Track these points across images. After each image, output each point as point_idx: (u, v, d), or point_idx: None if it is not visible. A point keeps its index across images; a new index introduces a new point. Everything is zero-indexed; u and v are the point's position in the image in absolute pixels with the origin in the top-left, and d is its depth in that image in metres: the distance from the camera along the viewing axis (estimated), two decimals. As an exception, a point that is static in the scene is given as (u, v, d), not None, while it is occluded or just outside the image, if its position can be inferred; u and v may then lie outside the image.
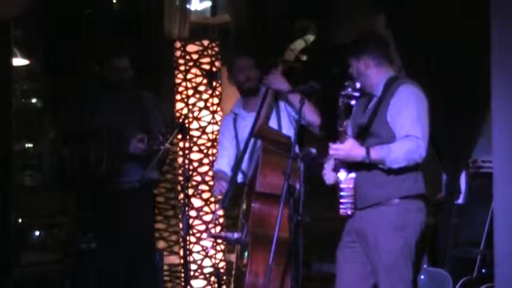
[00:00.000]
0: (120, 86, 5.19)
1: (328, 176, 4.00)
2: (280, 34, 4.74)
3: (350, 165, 3.90)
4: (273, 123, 4.58)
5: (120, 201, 5.09)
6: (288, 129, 4.58)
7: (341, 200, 3.95)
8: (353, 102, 3.76)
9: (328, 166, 4.01)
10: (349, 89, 3.74)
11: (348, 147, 3.79)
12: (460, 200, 5.57)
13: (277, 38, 4.70)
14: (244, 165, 4.59)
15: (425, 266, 5.23)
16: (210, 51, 6.55)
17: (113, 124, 5.05)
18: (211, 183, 6.15)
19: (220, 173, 4.72)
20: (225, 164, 4.75)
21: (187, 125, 6.30)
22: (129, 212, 5.09)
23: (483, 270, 5.18)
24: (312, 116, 4.47)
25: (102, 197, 5.16)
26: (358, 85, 3.75)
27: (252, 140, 4.52)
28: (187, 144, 6.30)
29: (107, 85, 5.24)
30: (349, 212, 3.95)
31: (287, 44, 4.55)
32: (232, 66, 4.77)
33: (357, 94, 3.74)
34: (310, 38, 4.53)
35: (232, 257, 4.66)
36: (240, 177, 4.61)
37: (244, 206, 4.43)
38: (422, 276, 5.22)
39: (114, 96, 5.20)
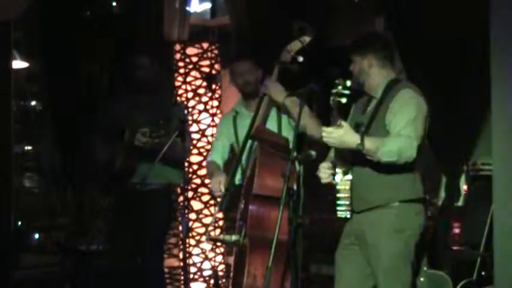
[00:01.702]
0: (139, 85, 5.19)
1: (323, 175, 3.99)
2: (280, 36, 4.73)
3: (346, 165, 3.89)
4: (272, 126, 4.57)
5: (138, 202, 5.09)
6: (288, 132, 4.56)
7: (338, 203, 3.94)
8: (344, 100, 3.72)
9: (324, 165, 4.00)
10: (340, 87, 3.71)
11: (343, 132, 3.75)
12: (460, 203, 5.57)
13: (277, 40, 4.68)
14: (242, 166, 4.58)
15: (425, 268, 5.22)
16: (209, 54, 6.56)
17: (133, 123, 5.05)
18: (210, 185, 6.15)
19: (213, 164, 4.72)
20: (218, 157, 4.75)
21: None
22: (145, 213, 5.08)
23: (483, 273, 5.17)
24: (313, 130, 4.41)
25: (120, 198, 5.20)
26: (348, 83, 3.72)
27: (250, 142, 4.50)
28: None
29: (129, 84, 5.25)
30: (346, 216, 3.94)
31: (283, 45, 4.54)
32: (232, 70, 4.78)
33: (347, 92, 3.70)
34: (307, 39, 4.51)
35: (231, 260, 4.65)
36: (238, 179, 4.60)
37: (241, 208, 4.43)
38: (422, 279, 5.22)
39: (136, 96, 5.21)
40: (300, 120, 3.94)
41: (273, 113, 4.62)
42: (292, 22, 4.55)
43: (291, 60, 4.50)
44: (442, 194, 5.60)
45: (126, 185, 5.12)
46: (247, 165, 4.53)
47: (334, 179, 3.93)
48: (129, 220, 5.12)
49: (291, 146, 4.35)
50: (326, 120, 4.49)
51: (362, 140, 3.73)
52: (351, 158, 3.93)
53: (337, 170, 3.91)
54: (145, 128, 4.90)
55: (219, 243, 6.36)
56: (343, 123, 3.71)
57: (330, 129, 3.73)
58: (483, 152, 5.39)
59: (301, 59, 4.45)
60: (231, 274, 4.53)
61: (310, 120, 4.39)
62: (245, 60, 4.74)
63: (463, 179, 5.59)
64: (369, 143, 3.74)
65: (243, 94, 4.77)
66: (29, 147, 7.57)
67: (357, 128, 3.97)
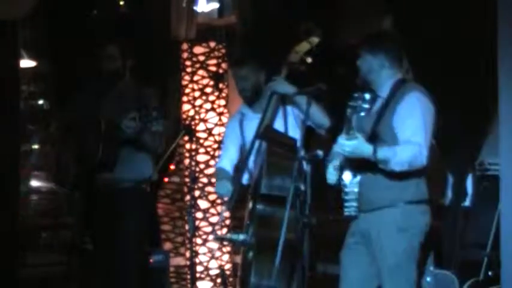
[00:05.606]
0: (111, 75, 5.13)
1: (331, 176, 3.99)
2: (287, 35, 4.73)
3: (354, 167, 3.89)
4: (279, 126, 4.58)
5: (112, 201, 5.06)
6: (294, 132, 4.57)
7: (345, 204, 3.95)
8: (362, 114, 3.68)
9: (332, 165, 4.00)
10: (359, 101, 3.65)
11: (356, 143, 3.76)
12: (467, 203, 5.56)
13: (284, 39, 4.69)
14: (249, 166, 4.59)
15: (431, 268, 5.22)
16: (216, 53, 6.57)
17: (108, 113, 5.01)
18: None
19: (222, 171, 4.72)
20: (227, 163, 4.75)
21: (193, 127, 6.31)
22: (119, 212, 5.06)
23: (489, 273, 5.16)
24: (320, 118, 4.45)
25: (95, 197, 5.14)
26: (367, 96, 3.68)
27: (258, 142, 4.51)
28: (193, 146, 6.31)
29: (102, 74, 5.18)
30: (353, 214, 3.95)
31: (292, 46, 4.54)
32: (232, 74, 4.80)
33: (366, 106, 3.68)
34: (315, 40, 4.52)
35: (239, 259, 4.66)
36: (245, 179, 4.61)
37: (249, 207, 4.44)
38: (428, 278, 5.21)
39: (109, 87, 5.16)
40: (308, 115, 3.95)
41: (280, 113, 4.63)
42: (299, 23, 4.56)
43: (299, 61, 4.51)
44: (449, 193, 5.60)
45: (97, 182, 5.08)
46: (254, 165, 4.54)
47: (342, 179, 3.94)
48: (104, 221, 5.10)
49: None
50: (332, 120, 4.52)
51: (375, 151, 3.75)
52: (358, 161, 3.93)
53: (346, 172, 3.92)
54: (134, 113, 4.85)
55: (226, 242, 6.36)
56: (357, 134, 3.73)
57: (344, 140, 3.74)
58: (490, 152, 5.38)
59: (309, 60, 4.46)
60: (238, 273, 4.54)
61: (318, 111, 4.40)
62: (243, 65, 4.72)
63: (470, 178, 5.58)
64: (382, 154, 3.77)
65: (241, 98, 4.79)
66: (36, 146, 7.60)
67: (363, 130, 3.98)
